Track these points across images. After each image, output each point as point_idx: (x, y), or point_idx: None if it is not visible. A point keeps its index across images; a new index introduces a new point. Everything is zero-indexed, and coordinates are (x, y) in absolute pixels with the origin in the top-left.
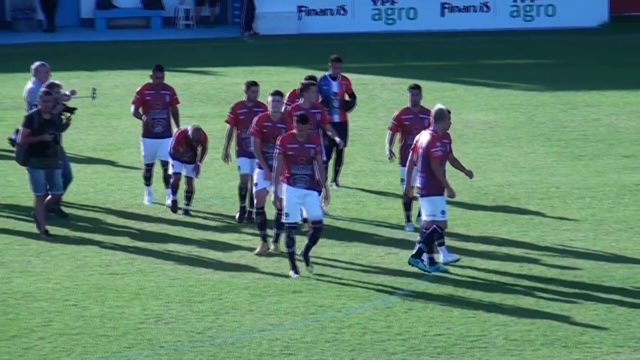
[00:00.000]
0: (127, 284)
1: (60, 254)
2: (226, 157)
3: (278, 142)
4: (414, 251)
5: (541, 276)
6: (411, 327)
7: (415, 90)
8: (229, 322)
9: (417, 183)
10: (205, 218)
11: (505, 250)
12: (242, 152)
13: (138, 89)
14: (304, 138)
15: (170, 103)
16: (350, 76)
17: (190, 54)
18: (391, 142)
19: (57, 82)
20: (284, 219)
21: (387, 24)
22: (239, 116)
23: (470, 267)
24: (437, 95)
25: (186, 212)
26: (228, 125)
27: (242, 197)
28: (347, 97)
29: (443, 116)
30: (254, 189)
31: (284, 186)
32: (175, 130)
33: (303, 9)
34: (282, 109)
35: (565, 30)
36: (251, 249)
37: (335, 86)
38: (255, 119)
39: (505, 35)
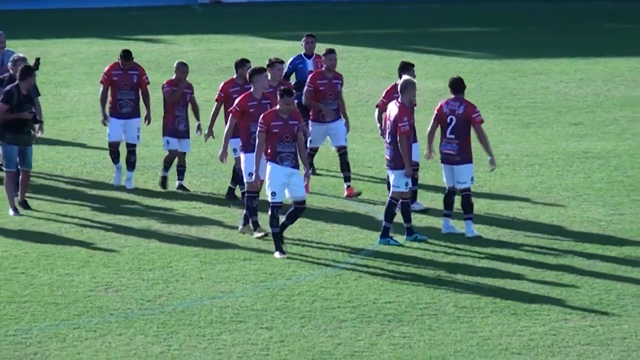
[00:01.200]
0: (77, 252)
1: (9, 221)
2: (210, 134)
3: (261, 120)
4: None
5: (490, 244)
6: (361, 294)
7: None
8: (179, 289)
9: (387, 155)
10: (160, 192)
11: (455, 218)
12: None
13: (106, 68)
14: (288, 114)
15: (139, 84)
16: (298, 44)
17: (140, 22)
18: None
19: (22, 55)
20: (269, 199)
21: None
22: (231, 95)
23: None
24: (386, 63)
25: (181, 187)
26: (216, 103)
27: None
28: None
29: (407, 87)
30: (248, 178)
31: (269, 165)
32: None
33: None
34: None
35: None
36: (202, 219)
37: (310, 64)
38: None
39: (455, 3)
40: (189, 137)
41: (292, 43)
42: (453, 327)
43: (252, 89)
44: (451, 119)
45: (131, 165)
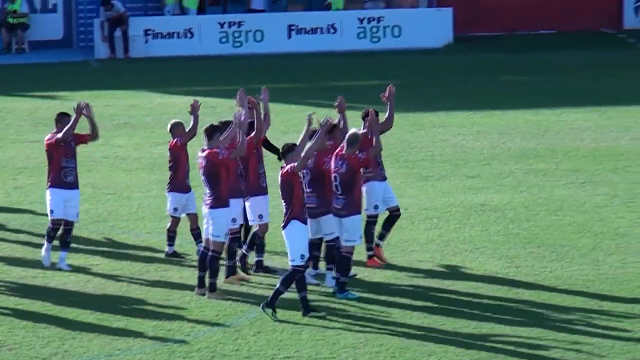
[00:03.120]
0: None
1: None
2: None
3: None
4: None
5: (389, 298)
6: (260, 350)
7: None
8: (75, 347)
9: (336, 205)
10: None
11: (353, 271)
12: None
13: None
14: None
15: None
16: (198, 100)
17: (35, 78)
18: None
19: None
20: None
21: (234, 47)
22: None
23: (319, 289)
24: (285, 117)
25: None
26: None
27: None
28: None
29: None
30: (234, 225)
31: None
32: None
33: (149, 32)
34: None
35: (411, 50)
36: (99, 274)
37: None
38: None
39: (353, 57)
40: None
41: (191, 98)
42: None
43: None
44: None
45: (67, 244)
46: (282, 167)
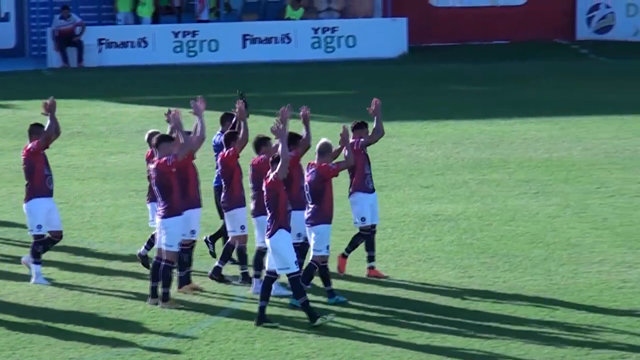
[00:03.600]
0: None
1: None
2: None
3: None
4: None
5: (342, 308)
6: (213, 359)
7: None
8: (26, 356)
9: (306, 213)
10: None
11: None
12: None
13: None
14: None
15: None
16: (152, 109)
17: None
18: None
19: None
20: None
21: (189, 56)
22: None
23: (273, 299)
24: None
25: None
26: None
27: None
28: None
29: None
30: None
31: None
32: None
33: (103, 41)
34: None
35: (366, 60)
36: (50, 284)
37: None
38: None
39: (307, 67)
40: None
41: (145, 107)
42: None
43: None
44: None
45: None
46: (265, 178)
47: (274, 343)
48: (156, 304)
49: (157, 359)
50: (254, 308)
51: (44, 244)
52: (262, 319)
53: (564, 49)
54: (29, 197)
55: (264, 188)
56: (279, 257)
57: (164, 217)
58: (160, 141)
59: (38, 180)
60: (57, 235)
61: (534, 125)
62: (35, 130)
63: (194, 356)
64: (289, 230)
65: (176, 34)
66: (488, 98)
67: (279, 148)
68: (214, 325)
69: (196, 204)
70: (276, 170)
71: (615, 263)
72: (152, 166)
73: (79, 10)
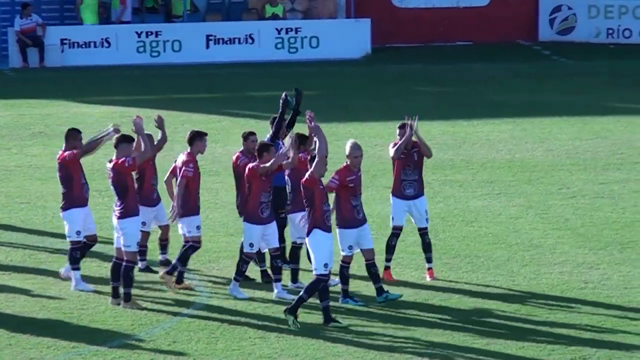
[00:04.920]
0: None
1: None
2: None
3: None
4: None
5: (305, 309)
6: None
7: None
8: None
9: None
10: None
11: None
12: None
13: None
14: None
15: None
16: (116, 109)
17: None
18: None
19: None
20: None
21: (152, 57)
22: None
23: (229, 300)
24: (202, 127)
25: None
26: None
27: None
28: None
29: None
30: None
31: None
32: None
33: (66, 41)
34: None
35: (329, 61)
36: (8, 287)
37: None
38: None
39: (271, 67)
40: None
41: (108, 108)
42: None
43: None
44: None
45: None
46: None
47: (237, 343)
48: (118, 304)
49: (119, 359)
50: (216, 308)
51: (81, 249)
52: (329, 319)
53: (526, 50)
54: (67, 206)
55: (301, 186)
56: (314, 256)
57: (120, 217)
58: (119, 142)
59: (77, 190)
60: (93, 239)
61: (497, 127)
62: (72, 135)
63: (156, 356)
64: (327, 230)
65: (139, 34)
66: (451, 99)
67: (316, 146)
68: (176, 326)
69: (150, 202)
70: (312, 169)
71: (576, 264)
72: (109, 165)
73: (41, 10)
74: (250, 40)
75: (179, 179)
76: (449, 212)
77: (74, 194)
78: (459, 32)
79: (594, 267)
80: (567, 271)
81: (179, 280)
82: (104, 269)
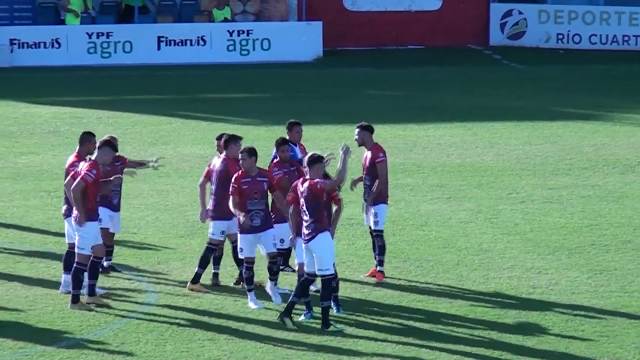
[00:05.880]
0: None
1: None
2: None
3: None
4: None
5: (255, 313)
6: None
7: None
8: None
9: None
10: None
11: (226, 281)
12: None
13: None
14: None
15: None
16: (64, 110)
17: None
18: None
19: None
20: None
21: (103, 58)
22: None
23: (186, 299)
24: (153, 129)
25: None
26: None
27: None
28: None
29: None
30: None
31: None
32: None
33: (15, 41)
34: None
35: (281, 64)
36: None
37: (299, 152)
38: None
39: (222, 69)
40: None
41: (58, 108)
42: None
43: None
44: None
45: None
46: (310, 179)
47: (185, 345)
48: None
49: (67, 359)
50: (165, 310)
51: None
52: (326, 322)
53: (477, 54)
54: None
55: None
56: (322, 258)
57: (77, 221)
58: (103, 144)
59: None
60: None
61: (448, 131)
62: (87, 138)
63: (104, 357)
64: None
65: (90, 35)
66: (402, 102)
67: (339, 164)
68: (125, 327)
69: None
70: (327, 183)
71: (525, 269)
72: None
73: None
74: (201, 42)
75: (215, 181)
76: (399, 216)
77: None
78: (411, 35)
79: (542, 272)
80: (515, 276)
81: (195, 280)
82: (52, 270)
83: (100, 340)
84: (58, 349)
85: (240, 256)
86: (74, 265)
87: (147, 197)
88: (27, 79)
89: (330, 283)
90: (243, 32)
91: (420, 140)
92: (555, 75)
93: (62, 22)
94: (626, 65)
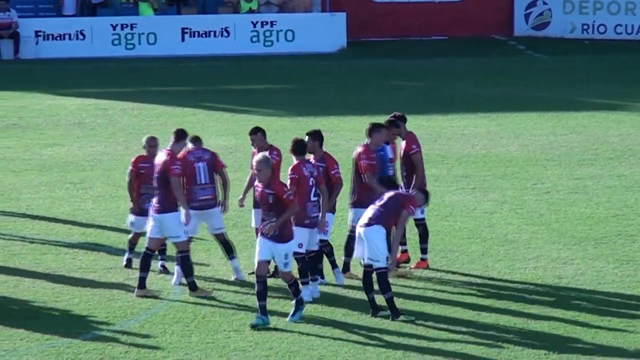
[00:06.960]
0: None
1: None
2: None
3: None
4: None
5: (280, 303)
6: (149, 352)
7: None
8: None
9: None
10: None
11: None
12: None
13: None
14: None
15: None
16: (89, 102)
17: None
18: None
19: None
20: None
21: (127, 49)
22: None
23: (211, 290)
24: (178, 121)
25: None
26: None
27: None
28: None
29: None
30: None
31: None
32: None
33: (40, 33)
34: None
35: (305, 55)
36: None
37: (390, 151)
38: None
39: (246, 61)
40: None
41: (82, 100)
42: None
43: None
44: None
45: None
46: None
47: (211, 336)
48: (142, 295)
49: (93, 351)
50: (191, 302)
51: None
52: (375, 309)
53: (501, 45)
54: (164, 209)
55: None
56: (375, 250)
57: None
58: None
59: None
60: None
61: (472, 121)
62: (182, 135)
63: (130, 349)
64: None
65: (114, 27)
66: (426, 93)
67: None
68: (150, 319)
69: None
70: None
71: (551, 259)
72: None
73: (16, 1)
74: (225, 34)
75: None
76: None
77: (171, 198)
78: (435, 26)
79: (567, 262)
80: (541, 266)
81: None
82: (79, 261)
83: (127, 331)
84: (84, 340)
85: (302, 251)
86: (177, 256)
87: None
88: (52, 70)
89: (385, 276)
90: (267, 23)
91: (444, 131)
92: (580, 66)
93: (87, 14)
94: None
